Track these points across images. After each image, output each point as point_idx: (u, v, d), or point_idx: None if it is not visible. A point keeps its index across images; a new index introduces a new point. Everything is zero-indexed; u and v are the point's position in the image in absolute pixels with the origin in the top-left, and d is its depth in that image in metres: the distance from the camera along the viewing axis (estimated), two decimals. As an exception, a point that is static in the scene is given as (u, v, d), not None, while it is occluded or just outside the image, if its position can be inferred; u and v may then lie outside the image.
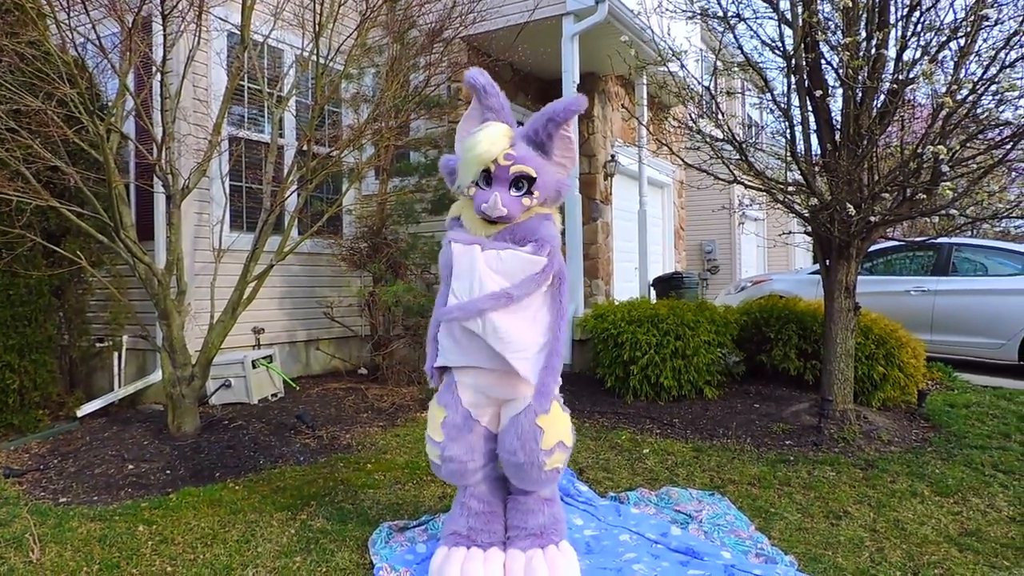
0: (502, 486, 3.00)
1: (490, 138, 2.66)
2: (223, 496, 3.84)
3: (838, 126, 4.83)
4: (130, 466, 4.35)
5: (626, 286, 9.67)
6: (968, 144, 4.29)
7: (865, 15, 4.51)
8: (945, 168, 4.08)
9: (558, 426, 2.75)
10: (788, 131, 4.83)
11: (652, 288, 8.80)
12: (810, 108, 4.82)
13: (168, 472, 4.28)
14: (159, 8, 4.41)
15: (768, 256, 17.10)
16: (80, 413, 5.37)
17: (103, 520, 3.53)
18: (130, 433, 4.90)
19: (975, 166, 4.33)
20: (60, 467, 4.41)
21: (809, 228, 5.03)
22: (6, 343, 4.98)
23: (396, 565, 2.96)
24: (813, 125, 4.86)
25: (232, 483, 4.07)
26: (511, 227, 2.74)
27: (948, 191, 4.11)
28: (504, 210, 2.64)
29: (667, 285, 8.52)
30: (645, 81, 8.35)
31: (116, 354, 5.85)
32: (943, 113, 4.10)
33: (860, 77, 4.31)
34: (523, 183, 2.70)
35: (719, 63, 5.30)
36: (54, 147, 4.32)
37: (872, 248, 7.09)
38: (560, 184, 2.82)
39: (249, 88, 6.35)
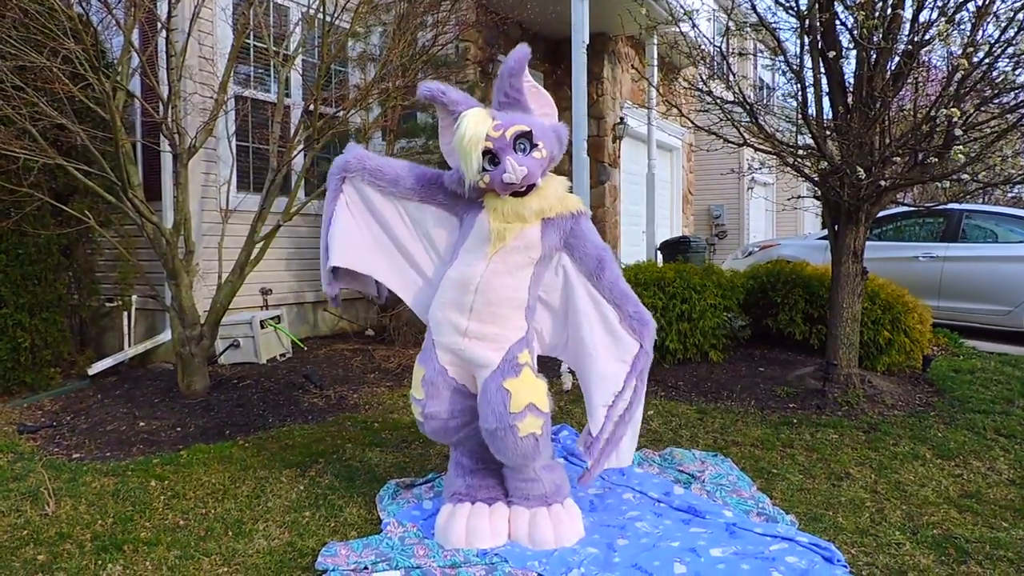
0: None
1: (472, 121, 2.66)
2: (233, 453, 3.90)
3: (850, 88, 4.75)
4: (141, 423, 4.43)
5: (633, 250, 9.65)
6: (983, 108, 4.22)
7: (881, -27, 4.40)
8: (958, 132, 4.03)
9: (527, 389, 2.75)
10: (800, 93, 4.76)
11: (659, 252, 8.78)
12: (823, 70, 4.74)
13: (179, 429, 4.35)
14: (163, -37, 4.34)
15: (776, 221, 16.99)
16: (91, 371, 5.44)
17: (116, 475, 3.60)
18: (141, 391, 4.97)
19: (989, 130, 4.27)
20: (73, 424, 4.48)
21: (819, 192, 5.00)
22: (17, 301, 5.03)
23: (403, 520, 3.03)
24: (825, 87, 4.79)
25: (242, 440, 4.14)
26: (548, 225, 2.80)
27: (960, 155, 4.06)
28: (524, 169, 2.64)
29: (674, 249, 8.50)
30: (656, 41, 8.22)
31: (126, 314, 5.90)
32: (958, 76, 4.02)
33: (875, 38, 4.23)
34: (524, 142, 2.68)
35: (731, 23, 5.21)
36: (60, 105, 4.30)
37: (881, 214, 7.04)
38: (556, 129, 2.82)
39: (255, 46, 6.28)
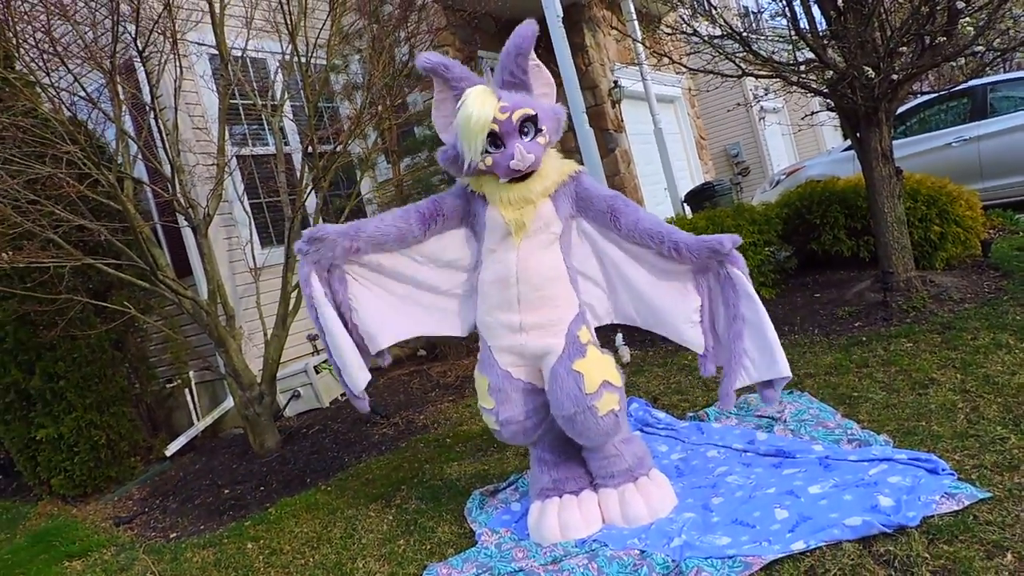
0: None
1: (478, 101, 2.59)
2: (318, 499, 3.95)
3: (839, -11, 4.58)
4: (226, 491, 4.52)
5: (658, 208, 9.50)
6: (982, -28, 4.03)
7: None
8: (960, 4, 3.84)
9: (598, 367, 2.70)
10: (787, 8, 4.61)
11: (685, 204, 8.62)
12: (806, -23, 4.58)
13: (262, 488, 4.43)
14: (136, 46, 4.41)
15: (797, 144, 16.57)
16: (168, 452, 5.59)
17: (213, 545, 3.68)
18: (218, 460, 5.08)
19: (993, -6, 4.07)
20: (163, 505, 4.60)
21: (831, 103, 4.83)
22: (84, 403, 5.18)
23: (495, 527, 3.01)
24: (813, -5, 4.63)
25: (323, 485, 4.19)
26: (557, 197, 2.76)
27: (969, 28, 3.87)
28: (531, 156, 2.62)
29: (700, 197, 8.34)
30: (630, -4, 8.07)
31: (187, 390, 6.03)
32: (948, -54, 3.85)
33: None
34: (529, 126, 2.65)
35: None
36: (74, 207, 4.40)
37: (901, 109, 6.79)
38: (557, 112, 2.79)
39: (243, 104, 6.35)
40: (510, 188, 2.70)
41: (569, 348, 2.72)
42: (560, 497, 2.86)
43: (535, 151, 2.64)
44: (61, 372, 5.13)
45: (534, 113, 2.65)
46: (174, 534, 4.10)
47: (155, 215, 5.98)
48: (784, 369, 2.72)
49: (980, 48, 4.10)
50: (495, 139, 2.62)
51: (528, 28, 2.66)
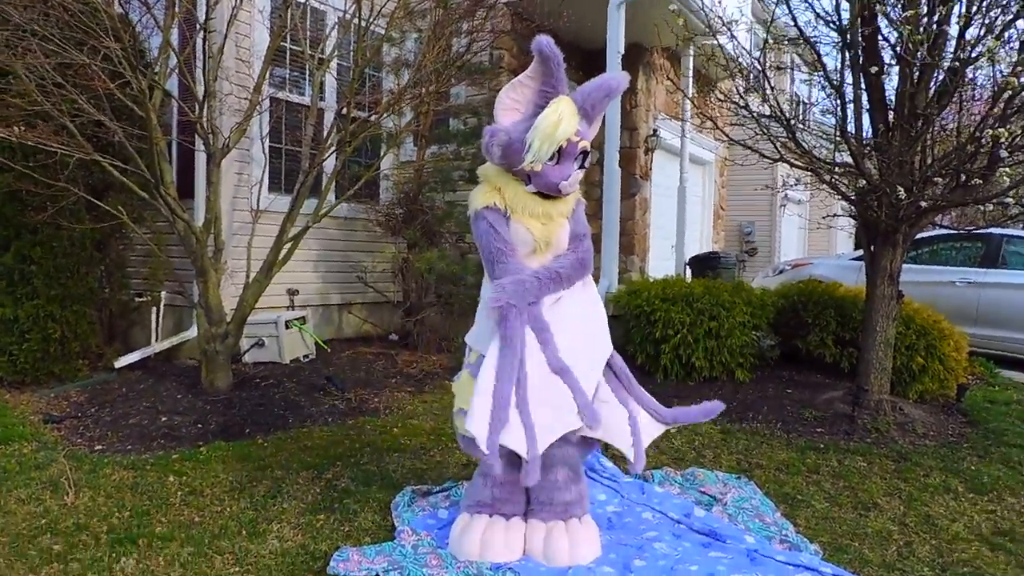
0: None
1: (570, 115, 2.68)
2: (252, 452, 3.91)
3: (892, 105, 4.63)
4: (163, 418, 4.46)
5: (662, 264, 9.54)
6: (1030, 129, 4.09)
7: (927, -12, 4.29)
8: (1004, 153, 3.89)
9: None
10: (839, 109, 4.66)
11: (688, 267, 8.66)
12: (863, 86, 4.63)
13: (199, 426, 4.37)
14: (203, -36, 4.40)
15: (809, 240, 16.71)
16: (118, 364, 5.51)
17: (135, 469, 3.63)
18: (165, 386, 5.02)
19: (1035, 153, 4.13)
20: (97, 415, 4.53)
21: (855, 211, 4.87)
22: (49, 293, 5.11)
23: (418, 528, 2.99)
24: (865, 104, 4.68)
25: (261, 440, 4.14)
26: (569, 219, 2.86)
27: (1005, 178, 3.93)
28: (576, 186, 2.80)
29: (704, 264, 8.37)
30: (692, 53, 8.14)
31: (154, 309, 5.96)
32: (1005, 95, 3.90)
33: (919, 54, 4.12)
34: (582, 158, 2.78)
35: (769, 37, 5.12)
36: (98, 102, 4.36)
37: (918, 236, 6.86)
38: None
39: (291, 49, 6.34)
40: (540, 202, 2.76)
41: None
42: (490, 516, 2.84)
43: (577, 180, 2.80)
44: (36, 257, 5.07)
45: (589, 150, 2.80)
46: (99, 446, 4.04)
47: (174, 131, 5.94)
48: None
49: (1010, 200, 4.16)
50: (558, 152, 2.69)
51: (625, 78, 2.85)
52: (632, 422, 2.83)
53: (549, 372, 2.65)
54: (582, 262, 2.85)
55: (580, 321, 2.81)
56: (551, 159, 2.68)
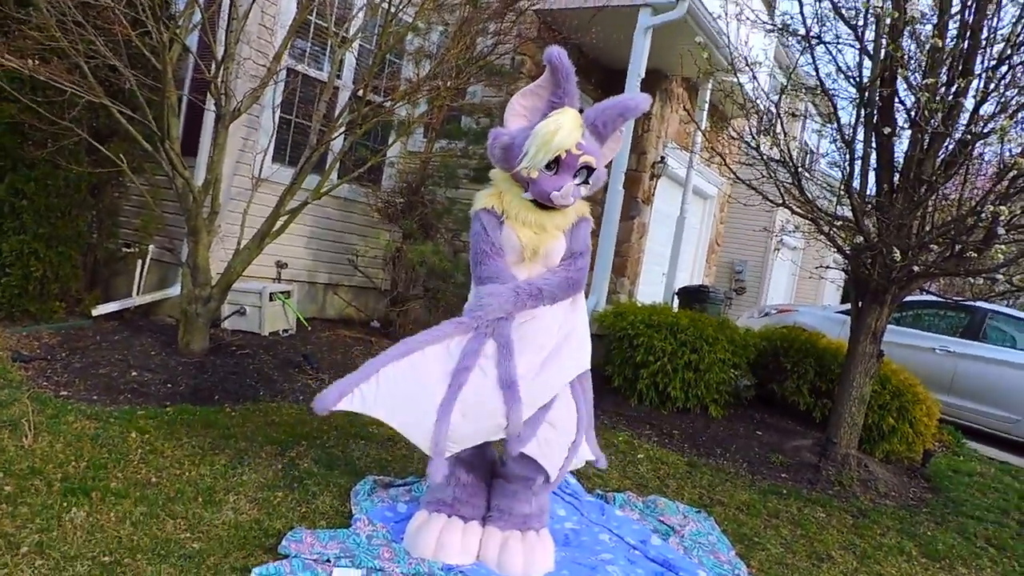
0: (489, 465, 3.01)
1: (571, 126, 2.66)
2: (218, 419, 3.87)
3: (898, 168, 4.69)
4: (133, 372, 4.41)
5: (651, 289, 9.58)
6: (1030, 211, 4.15)
7: (949, 60, 4.35)
8: (1001, 230, 3.95)
9: None
10: (847, 164, 4.71)
11: (676, 296, 8.70)
12: (874, 144, 4.69)
13: (169, 386, 4.33)
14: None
15: (797, 287, 16.85)
16: (95, 312, 5.44)
17: (99, 420, 3.58)
18: (140, 341, 4.96)
19: (1032, 235, 4.20)
20: (67, 361, 4.47)
21: (848, 266, 4.92)
22: (36, 231, 5.05)
23: (375, 519, 2.97)
24: (873, 163, 4.74)
25: (229, 408, 4.11)
26: (567, 234, 2.81)
27: (1000, 254, 3.98)
28: (572, 201, 2.73)
29: (692, 296, 8.42)
30: (710, 87, 8.19)
31: (140, 262, 5.90)
32: (1011, 174, 3.96)
33: (933, 121, 4.18)
34: (583, 172, 2.73)
35: (789, 83, 5.17)
36: (116, 47, 4.32)
37: (905, 299, 6.95)
38: (603, 175, 2.90)
39: (316, 24, 6.32)
40: (534, 211, 2.74)
41: None
42: (449, 516, 2.83)
43: (576, 196, 2.76)
44: (29, 192, 5.01)
45: (594, 167, 2.75)
46: (65, 392, 3.98)
47: (187, 87, 5.89)
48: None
49: (1000, 276, 4.22)
50: (555, 163, 2.67)
51: (645, 101, 2.77)
52: (573, 449, 2.85)
53: (494, 386, 2.63)
54: (570, 281, 2.81)
55: (553, 338, 2.77)
56: (549, 168, 2.67)
